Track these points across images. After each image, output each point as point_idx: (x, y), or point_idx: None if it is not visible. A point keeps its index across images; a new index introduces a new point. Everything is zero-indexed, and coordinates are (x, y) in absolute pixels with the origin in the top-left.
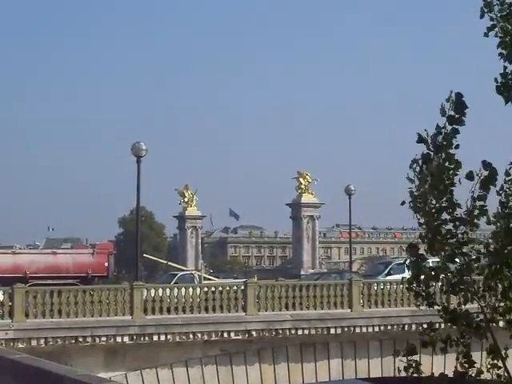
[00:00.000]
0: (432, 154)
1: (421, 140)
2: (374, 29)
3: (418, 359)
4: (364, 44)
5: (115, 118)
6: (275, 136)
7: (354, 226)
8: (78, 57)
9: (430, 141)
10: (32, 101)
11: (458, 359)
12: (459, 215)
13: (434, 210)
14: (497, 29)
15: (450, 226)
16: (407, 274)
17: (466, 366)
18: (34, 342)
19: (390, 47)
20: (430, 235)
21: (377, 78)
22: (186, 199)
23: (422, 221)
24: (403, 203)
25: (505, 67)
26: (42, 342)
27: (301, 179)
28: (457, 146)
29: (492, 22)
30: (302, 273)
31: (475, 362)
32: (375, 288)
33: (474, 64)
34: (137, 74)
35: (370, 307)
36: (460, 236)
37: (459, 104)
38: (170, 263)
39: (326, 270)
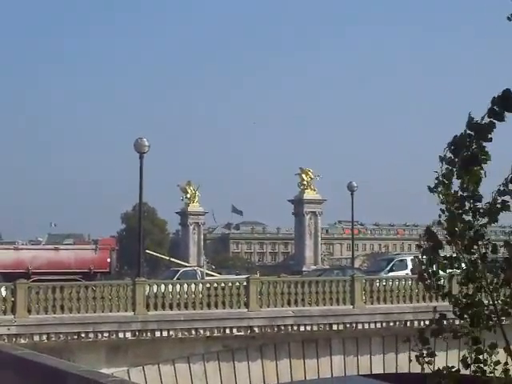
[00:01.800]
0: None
1: (470, 123)
2: (375, 28)
3: (431, 347)
4: (370, 44)
5: (118, 114)
6: (278, 133)
7: (357, 222)
8: (82, 55)
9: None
10: (35, 99)
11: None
12: (480, 207)
13: (456, 198)
14: None
15: (469, 217)
16: (409, 271)
17: (474, 355)
18: (36, 338)
19: (394, 46)
20: (449, 223)
21: (380, 77)
22: (188, 195)
23: (443, 207)
24: (432, 191)
25: None
26: (45, 337)
27: (303, 175)
28: (490, 139)
29: None
30: (305, 269)
31: (482, 352)
32: (377, 284)
33: (474, 63)
34: (141, 72)
35: (372, 303)
36: (478, 228)
37: (505, 100)
38: (172, 259)
39: (328, 267)
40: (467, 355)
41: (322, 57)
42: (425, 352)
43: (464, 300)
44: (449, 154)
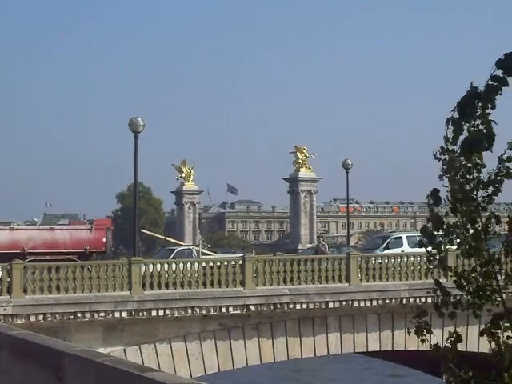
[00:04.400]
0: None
1: (473, 92)
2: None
3: (428, 321)
4: (371, 25)
5: (113, 94)
6: (273, 111)
7: (352, 200)
8: (80, 35)
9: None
10: (35, 75)
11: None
12: (483, 179)
13: (461, 170)
14: None
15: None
16: (405, 248)
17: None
18: (32, 318)
19: (394, 27)
20: (453, 194)
21: (377, 55)
22: (183, 174)
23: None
24: (437, 158)
25: None
26: (41, 317)
27: (298, 154)
28: (493, 107)
29: None
30: (300, 247)
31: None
32: (373, 262)
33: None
34: (139, 47)
35: (367, 281)
36: (480, 199)
37: (507, 64)
38: (167, 238)
39: None
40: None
41: (320, 36)
42: (423, 325)
43: (467, 273)
44: (456, 115)
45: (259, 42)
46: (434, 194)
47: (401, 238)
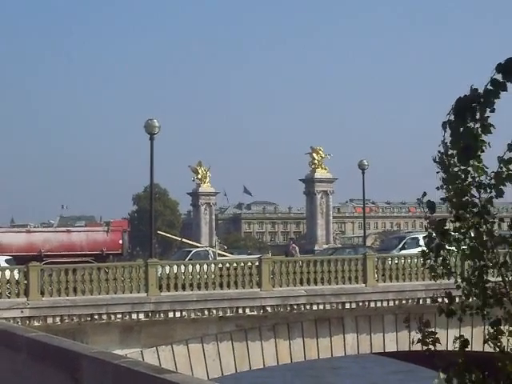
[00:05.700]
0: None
1: (472, 96)
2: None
3: (433, 330)
4: (382, 22)
5: (129, 95)
6: (289, 112)
7: (368, 200)
8: (90, 37)
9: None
10: (45, 77)
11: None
12: (484, 181)
13: (459, 173)
14: None
15: (473, 191)
16: (421, 249)
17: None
18: (49, 320)
19: (408, 23)
20: (454, 200)
21: (392, 55)
22: (199, 176)
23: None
24: (436, 162)
25: None
26: (58, 319)
27: (314, 154)
28: (492, 110)
29: None
30: (317, 248)
31: (503, 332)
32: (389, 262)
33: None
34: (152, 49)
35: (384, 282)
36: (483, 203)
37: (507, 68)
38: (184, 240)
39: (340, 245)
40: (487, 333)
41: (335, 34)
42: (427, 333)
43: (473, 278)
44: (452, 118)
45: (259, 42)
46: (429, 202)
47: (417, 238)
